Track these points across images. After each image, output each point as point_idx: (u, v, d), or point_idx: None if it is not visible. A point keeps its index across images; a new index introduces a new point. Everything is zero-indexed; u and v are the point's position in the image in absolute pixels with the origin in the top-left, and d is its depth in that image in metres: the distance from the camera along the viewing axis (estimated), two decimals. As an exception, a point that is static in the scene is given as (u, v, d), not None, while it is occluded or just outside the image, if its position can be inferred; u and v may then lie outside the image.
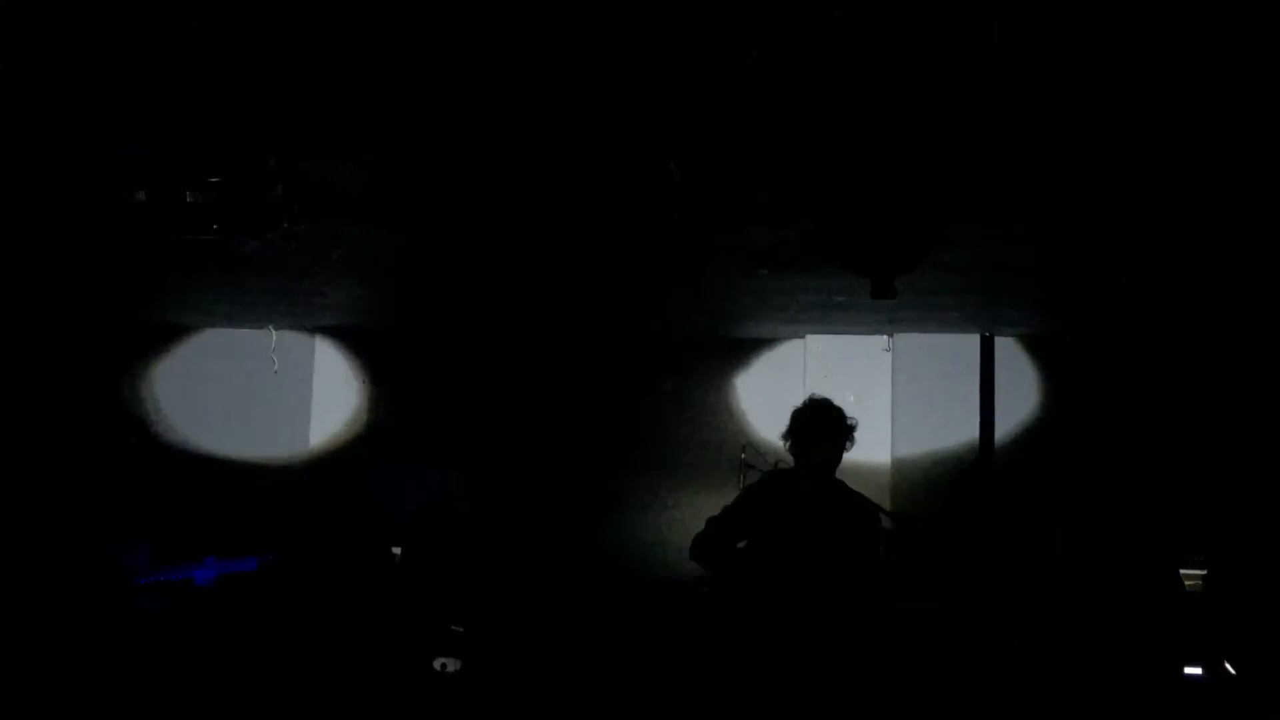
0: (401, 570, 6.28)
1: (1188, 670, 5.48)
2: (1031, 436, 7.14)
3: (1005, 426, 7.14)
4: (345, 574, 5.67)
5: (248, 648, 5.04)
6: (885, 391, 7.41)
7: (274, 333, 7.69)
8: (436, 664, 5.19)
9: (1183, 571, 6.07)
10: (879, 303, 3.97)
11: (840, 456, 5.50)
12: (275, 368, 7.67)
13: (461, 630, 5.56)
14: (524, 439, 7.72)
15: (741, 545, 5.37)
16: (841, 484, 5.46)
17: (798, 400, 5.06)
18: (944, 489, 6.88)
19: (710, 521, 5.51)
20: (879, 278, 3.71)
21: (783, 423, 5.14)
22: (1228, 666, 5.31)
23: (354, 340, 7.90)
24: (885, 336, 7.40)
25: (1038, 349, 7.30)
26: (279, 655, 4.95)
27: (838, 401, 4.99)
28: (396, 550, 6.50)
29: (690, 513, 6.75)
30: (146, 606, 5.06)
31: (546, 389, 7.69)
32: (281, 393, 7.81)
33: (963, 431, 7.14)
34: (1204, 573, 6.10)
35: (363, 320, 7.65)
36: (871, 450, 6.81)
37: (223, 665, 4.89)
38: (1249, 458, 6.71)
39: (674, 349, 7.66)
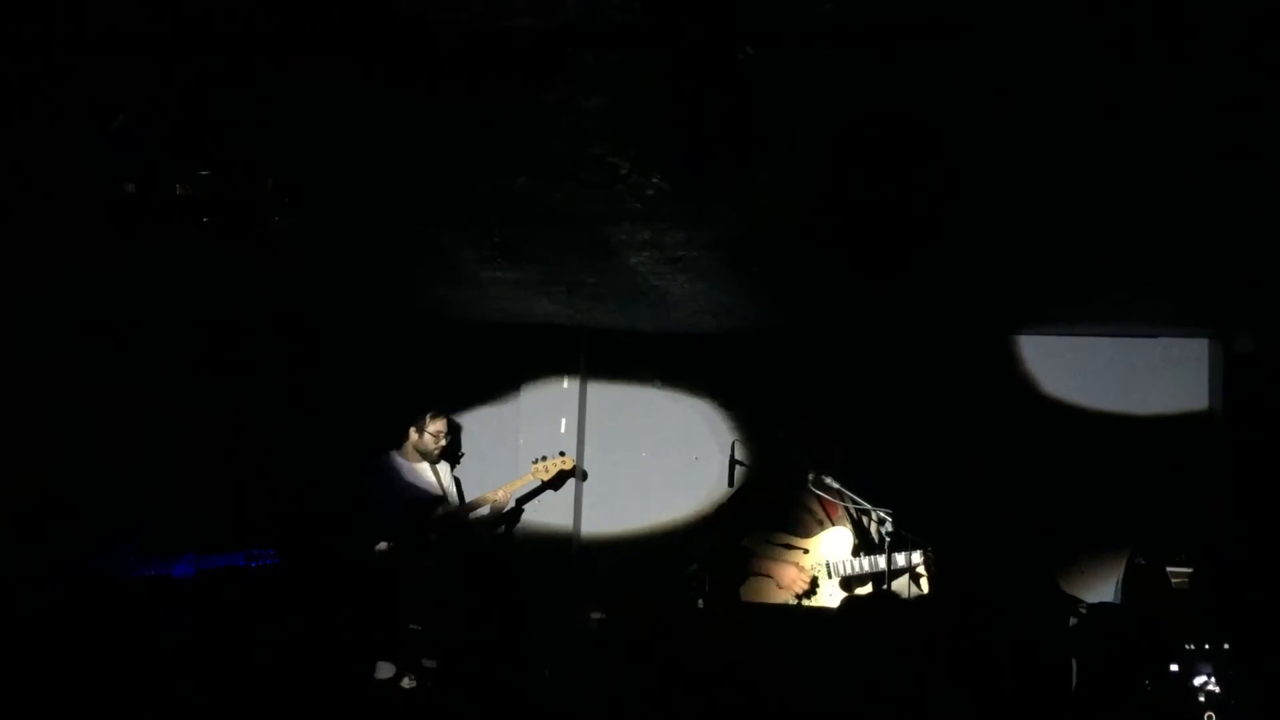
0: (391, 567, 6.24)
1: (1174, 668, 5.49)
2: (1025, 435, 7.15)
3: (1000, 425, 7.15)
4: (332, 572, 5.64)
5: (223, 645, 5.01)
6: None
7: None
8: (382, 670, 5.14)
9: (1169, 569, 6.08)
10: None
11: (836, 447, 5.50)
12: None
13: (419, 629, 5.51)
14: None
15: (739, 544, 5.39)
16: (833, 483, 5.47)
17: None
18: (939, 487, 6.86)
19: (710, 521, 5.51)
20: (876, 277, 3.70)
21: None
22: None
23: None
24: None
25: (1029, 348, 7.32)
26: (253, 653, 4.91)
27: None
28: (383, 546, 6.46)
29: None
30: (129, 603, 5.03)
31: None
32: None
33: (956, 430, 7.14)
34: (1190, 570, 6.11)
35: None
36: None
37: (194, 662, 4.85)
38: (1239, 454, 6.73)
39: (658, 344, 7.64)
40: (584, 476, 7.60)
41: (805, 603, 5.26)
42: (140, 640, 4.89)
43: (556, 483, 7.42)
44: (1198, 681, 5.13)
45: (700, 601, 5.31)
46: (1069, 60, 3.19)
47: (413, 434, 7.12)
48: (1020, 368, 7.32)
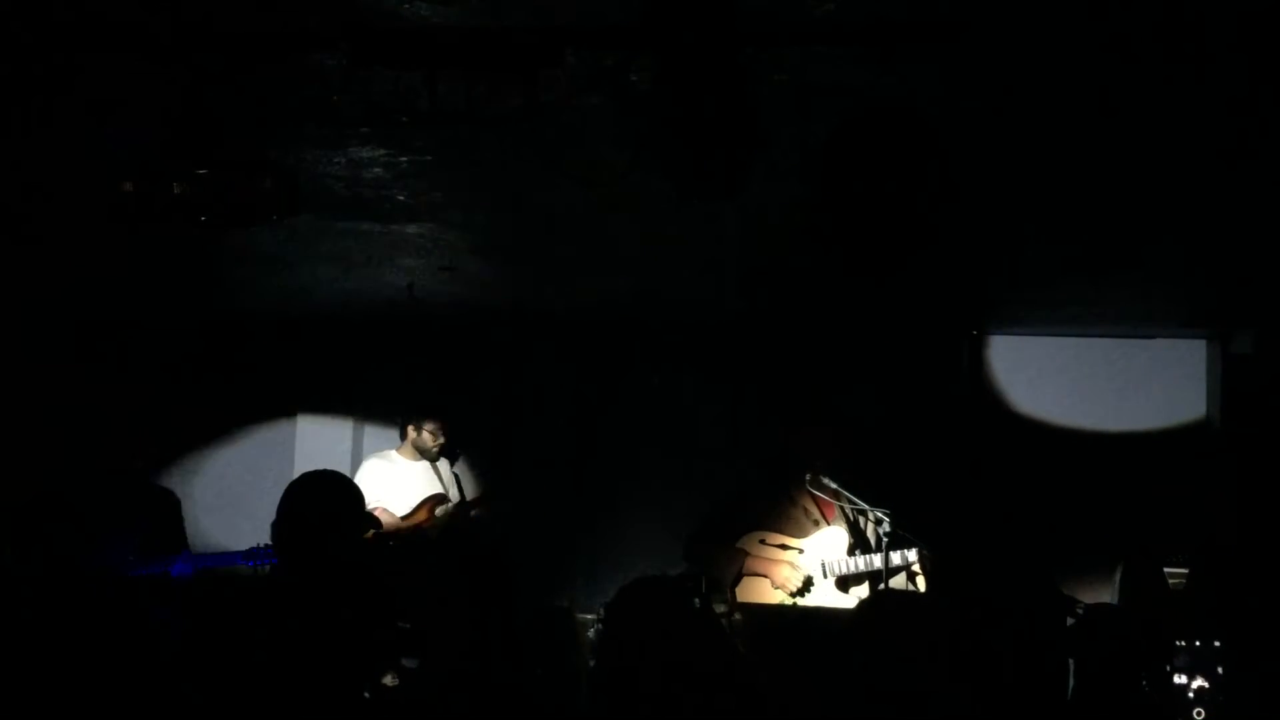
0: (391, 566, 6.21)
1: (1165, 666, 5.49)
2: (1018, 435, 7.16)
3: (995, 424, 7.16)
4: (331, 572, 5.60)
5: (222, 645, 4.98)
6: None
7: None
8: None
9: (1167, 570, 6.08)
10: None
11: (834, 448, 5.50)
12: None
13: (408, 627, 5.48)
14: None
15: (737, 544, 5.38)
16: (830, 483, 5.46)
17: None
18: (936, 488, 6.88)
19: (705, 521, 5.51)
20: (874, 277, 3.70)
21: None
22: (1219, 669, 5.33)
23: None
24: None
25: (1025, 348, 7.33)
26: (253, 653, 4.88)
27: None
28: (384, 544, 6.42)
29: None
30: (130, 602, 5.01)
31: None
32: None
33: (953, 431, 7.15)
34: (1187, 570, 6.11)
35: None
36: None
37: (193, 662, 4.82)
38: (1237, 455, 6.74)
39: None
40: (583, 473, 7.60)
41: (799, 602, 5.26)
42: (138, 639, 4.88)
43: None
44: (1187, 679, 5.15)
45: (696, 602, 5.30)
46: (1069, 60, 3.20)
47: (410, 432, 7.11)
48: (1018, 368, 7.33)
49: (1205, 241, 5.02)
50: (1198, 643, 5.28)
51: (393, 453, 7.16)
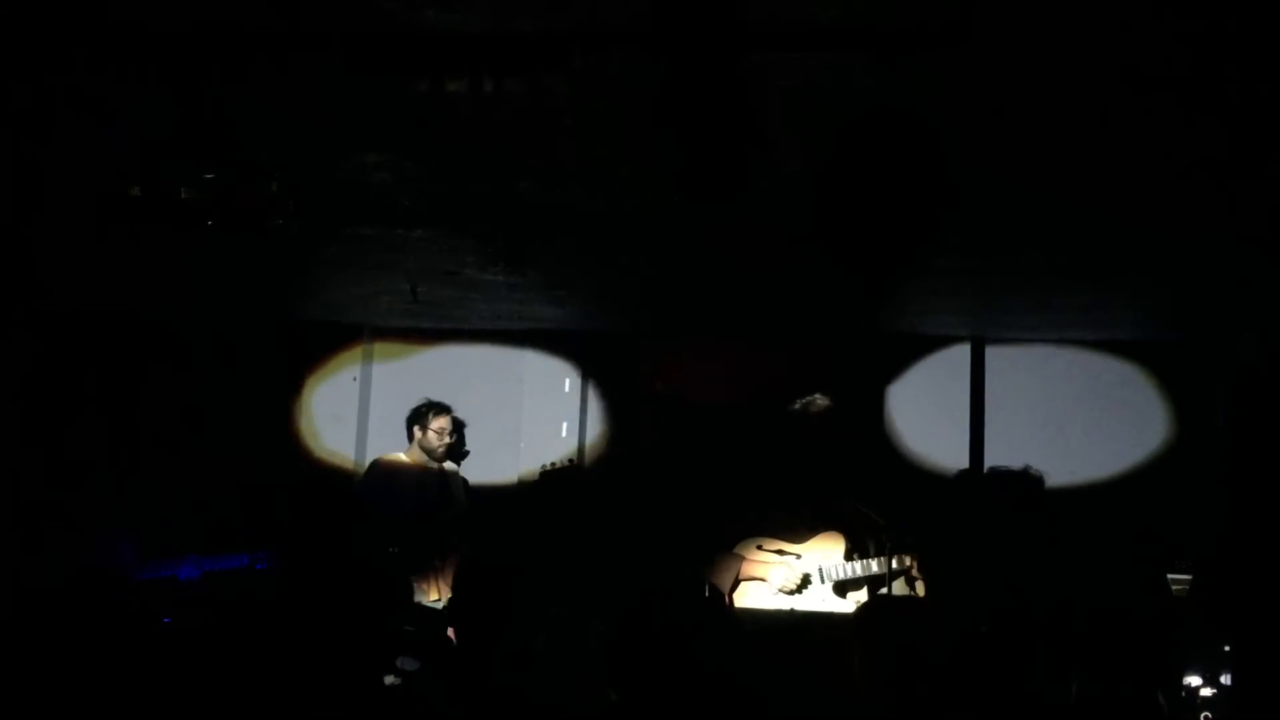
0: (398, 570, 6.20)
1: (1171, 669, 5.48)
2: (1019, 440, 7.15)
3: (995, 427, 7.16)
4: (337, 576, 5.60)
5: (235, 648, 4.99)
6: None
7: None
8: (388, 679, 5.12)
9: (1170, 576, 6.08)
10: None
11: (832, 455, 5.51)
12: None
13: (413, 630, 5.48)
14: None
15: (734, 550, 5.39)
16: (829, 488, 5.48)
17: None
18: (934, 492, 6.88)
19: (702, 526, 5.52)
20: (871, 279, 3.71)
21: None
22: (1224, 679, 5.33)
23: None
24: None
25: (1025, 354, 7.33)
26: (266, 656, 4.89)
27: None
28: (392, 549, 6.39)
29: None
30: (139, 604, 5.02)
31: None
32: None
33: (953, 436, 7.15)
34: (1190, 577, 6.11)
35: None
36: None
37: (211, 665, 4.83)
38: (1240, 459, 6.73)
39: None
40: (585, 480, 7.59)
41: (797, 606, 5.27)
42: (145, 643, 4.89)
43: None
44: (1194, 682, 5.15)
45: (695, 606, 5.30)
46: (1071, 64, 3.20)
47: (416, 433, 7.03)
48: (1019, 373, 7.33)
49: (1207, 245, 5.01)
50: (1205, 646, 5.28)
51: (400, 455, 7.10)
